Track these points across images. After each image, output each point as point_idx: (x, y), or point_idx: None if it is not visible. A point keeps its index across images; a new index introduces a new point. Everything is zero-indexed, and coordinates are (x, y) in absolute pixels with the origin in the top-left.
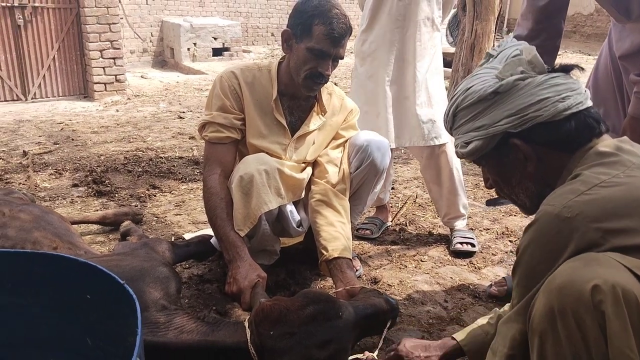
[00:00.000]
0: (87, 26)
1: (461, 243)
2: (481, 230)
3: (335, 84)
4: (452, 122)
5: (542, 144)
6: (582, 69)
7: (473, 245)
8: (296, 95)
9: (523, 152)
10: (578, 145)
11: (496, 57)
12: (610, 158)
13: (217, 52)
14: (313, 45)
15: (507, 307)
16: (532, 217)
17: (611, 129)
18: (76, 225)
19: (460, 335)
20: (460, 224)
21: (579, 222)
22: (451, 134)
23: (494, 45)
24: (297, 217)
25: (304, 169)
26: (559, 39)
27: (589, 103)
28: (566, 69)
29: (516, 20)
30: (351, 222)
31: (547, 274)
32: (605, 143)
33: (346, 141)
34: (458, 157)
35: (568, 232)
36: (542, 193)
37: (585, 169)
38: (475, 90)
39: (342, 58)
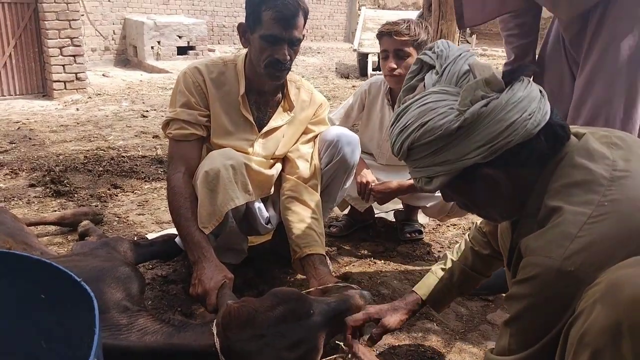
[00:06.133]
0: (45, 22)
1: (409, 232)
2: (449, 226)
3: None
4: (407, 155)
5: (514, 166)
6: (535, 67)
7: (420, 232)
8: (263, 89)
9: (494, 178)
10: (549, 158)
11: (441, 75)
12: (583, 174)
13: (182, 50)
14: (264, 32)
15: (455, 251)
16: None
17: (562, 115)
18: (33, 227)
19: (419, 287)
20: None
21: (583, 273)
22: (404, 161)
23: (458, 44)
24: (266, 214)
25: (273, 165)
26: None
27: (549, 106)
28: (519, 74)
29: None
30: None
31: (556, 325)
32: (575, 150)
33: (316, 136)
34: (418, 190)
35: (574, 284)
36: (513, 209)
37: (562, 191)
38: (434, 126)
39: (299, 40)
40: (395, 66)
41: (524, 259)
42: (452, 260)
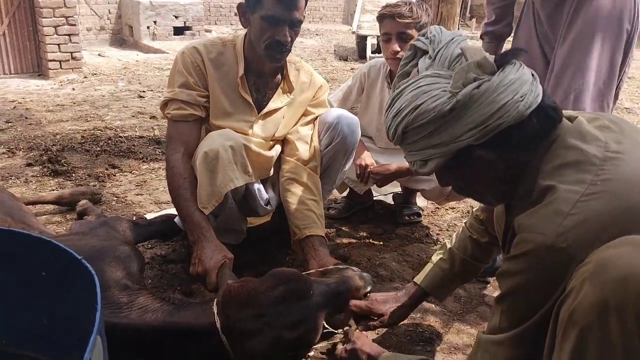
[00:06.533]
0: (40, 0)
1: (408, 215)
2: (447, 209)
3: None
4: (402, 139)
5: (507, 147)
6: (525, 51)
7: (419, 215)
8: (262, 71)
9: (487, 160)
10: (541, 140)
11: (434, 59)
12: (576, 154)
13: (178, 31)
14: (265, 13)
15: (453, 239)
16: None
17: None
18: (31, 206)
19: (420, 278)
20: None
21: (575, 249)
22: (399, 145)
23: (458, 28)
24: (265, 196)
25: (273, 146)
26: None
27: (541, 89)
28: (511, 57)
29: (479, 7)
30: None
31: (546, 303)
32: (567, 131)
33: (316, 118)
34: (414, 173)
35: (565, 261)
36: (507, 191)
37: (555, 172)
38: (427, 109)
39: (300, 22)
40: (398, 49)
41: (517, 236)
42: (451, 249)
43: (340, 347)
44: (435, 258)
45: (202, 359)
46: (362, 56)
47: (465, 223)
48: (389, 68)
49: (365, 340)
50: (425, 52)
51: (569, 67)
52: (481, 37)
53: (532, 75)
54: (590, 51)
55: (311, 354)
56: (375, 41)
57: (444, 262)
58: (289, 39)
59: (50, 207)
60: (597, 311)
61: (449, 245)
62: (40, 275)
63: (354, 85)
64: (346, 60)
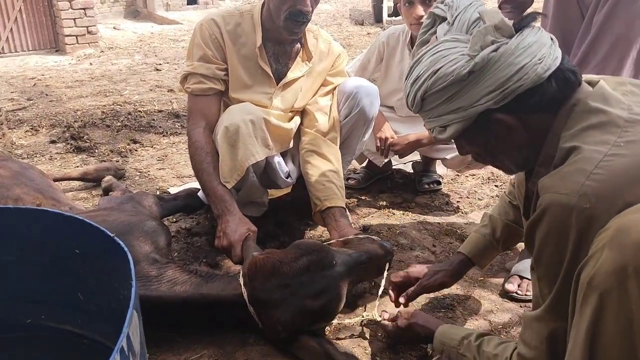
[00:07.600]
0: None
1: (427, 183)
2: (467, 177)
3: None
4: (421, 106)
5: (526, 111)
6: (545, 15)
7: (439, 183)
8: (281, 40)
9: (506, 124)
10: (561, 103)
11: (452, 24)
12: (600, 117)
13: (191, 0)
14: None
15: (494, 210)
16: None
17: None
18: (57, 182)
19: (466, 249)
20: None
21: (598, 210)
22: (418, 113)
23: None
24: (285, 168)
25: (292, 118)
26: None
27: (560, 52)
28: (529, 21)
29: None
30: None
31: (573, 265)
32: (589, 95)
33: (335, 88)
34: (434, 141)
35: (587, 219)
36: (527, 157)
37: (578, 134)
38: (446, 73)
39: None
40: (423, 13)
41: (540, 197)
42: (491, 215)
43: (386, 322)
44: (477, 229)
45: (230, 329)
46: (378, 20)
47: (504, 192)
48: (409, 34)
49: (422, 315)
50: (444, 19)
51: (606, 34)
52: (500, 7)
53: (551, 39)
54: (631, 19)
55: (335, 322)
56: (391, 4)
57: (485, 227)
58: (310, 8)
59: (76, 183)
60: (616, 276)
61: (489, 214)
62: (74, 253)
63: (372, 54)
64: (362, 24)
